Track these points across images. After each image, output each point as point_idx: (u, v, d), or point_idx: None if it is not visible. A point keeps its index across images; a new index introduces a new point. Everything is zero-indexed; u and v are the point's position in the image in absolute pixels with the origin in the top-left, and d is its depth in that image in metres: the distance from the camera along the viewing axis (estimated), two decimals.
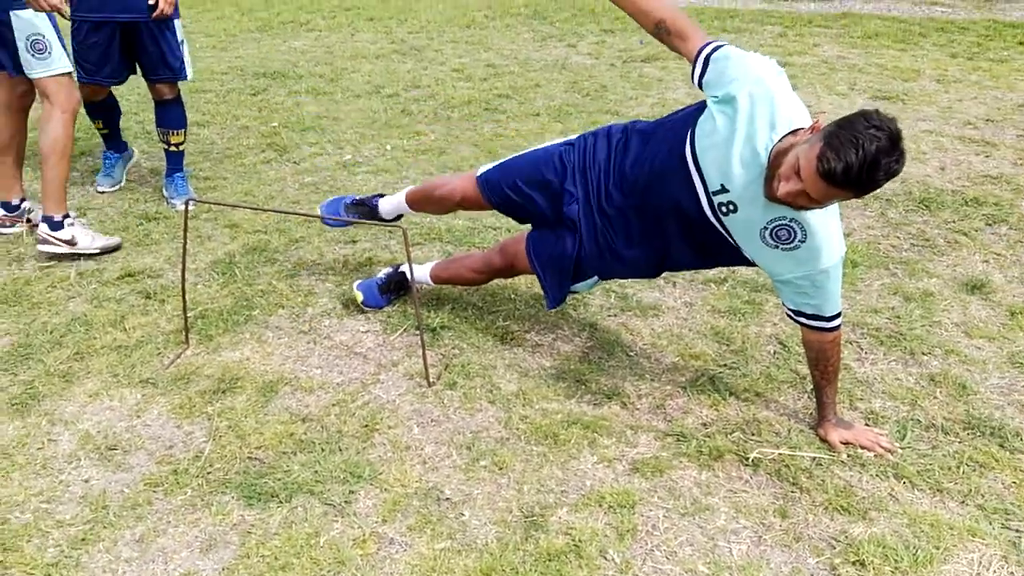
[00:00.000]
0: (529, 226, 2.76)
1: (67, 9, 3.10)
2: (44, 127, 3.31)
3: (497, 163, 2.74)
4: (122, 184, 4.16)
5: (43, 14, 3.15)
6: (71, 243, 3.34)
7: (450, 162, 4.41)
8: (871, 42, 7.00)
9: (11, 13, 3.17)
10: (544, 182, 2.57)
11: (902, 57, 6.52)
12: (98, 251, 3.40)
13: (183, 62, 3.81)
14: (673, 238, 2.39)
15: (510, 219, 3.69)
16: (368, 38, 7.28)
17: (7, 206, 3.57)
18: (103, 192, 4.09)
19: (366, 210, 3.08)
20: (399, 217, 3.07)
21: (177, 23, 3.75)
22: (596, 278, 2.64)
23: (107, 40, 3.62)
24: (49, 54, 3.22)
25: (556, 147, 2.62)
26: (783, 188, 1.97)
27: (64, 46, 3.28)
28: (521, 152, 2.74)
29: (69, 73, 3.32)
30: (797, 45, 6.88)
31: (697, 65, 2.26)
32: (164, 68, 3.76)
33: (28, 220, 3.56)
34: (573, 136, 2.64)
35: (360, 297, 3.00)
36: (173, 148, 3.96)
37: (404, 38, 7.25)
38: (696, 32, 2.30)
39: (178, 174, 4.00)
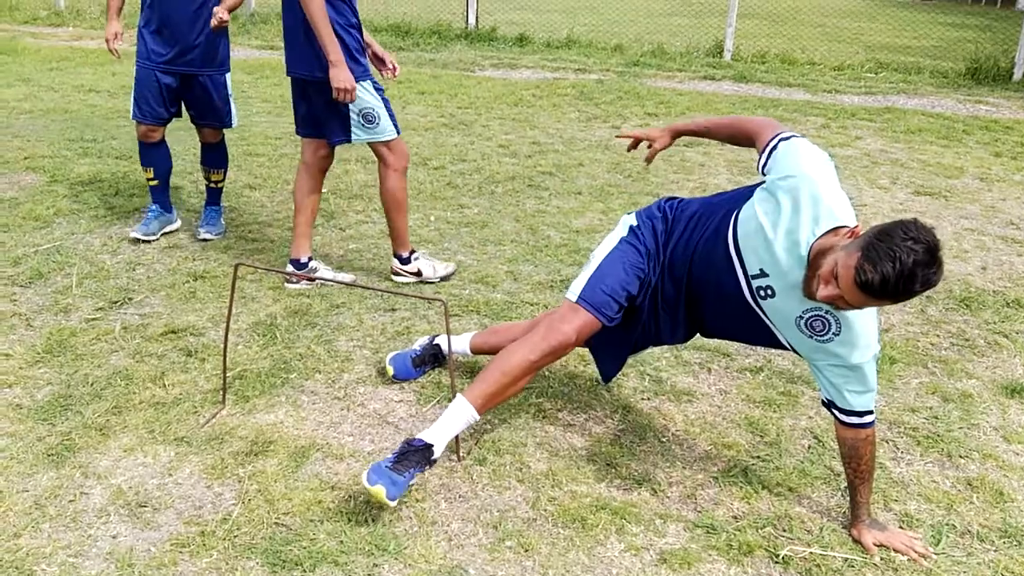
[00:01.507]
0: None
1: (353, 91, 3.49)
2: (383, 184, 3.77)
3: (587, 282, 2.48)
4: (155, 238, 4.27)
5: (372, 90, 3.58)
6: (417, 274, 3.90)
7: (491, 235, 4.47)
8: (914, 137, 7.03)
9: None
10: (644, 282, 2.50)
11: (945, 154, 6.53)
12: (438, 279, 3.90)
13: (230, 111, 4.27)
14: (713, 314, 2.44)
15: (547, 294, 3.74)
16: (419, 111, 7.46)
17: (296, 263, 3.83)
18: (135, 238, 4.22)
19: (421, 457, 2.32)
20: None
21: (228, 76, 4.21)
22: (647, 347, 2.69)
23: (155, 84, 4.06)
24: (377, 124, 3.63)
25: (629, 245, 2.51)
26: (822, 291, 2.00)
27: (392, 116, 3.67)
28: (602, 262, 2.51)
29: (394, 138, 3.72)
30: (840, 137, 6.92)
31: (763, 156, 2.34)
32: (212, 115, 4.22)
33: (311, 279, 3.76)
34: (630, 222, 2.57)
35: (391, 371, 3.02)
36: (213, 185, 4.45)
37: (453, 112, 7.41)
38: (766, 130, 2.39)
39: (213, 207, 4.46)
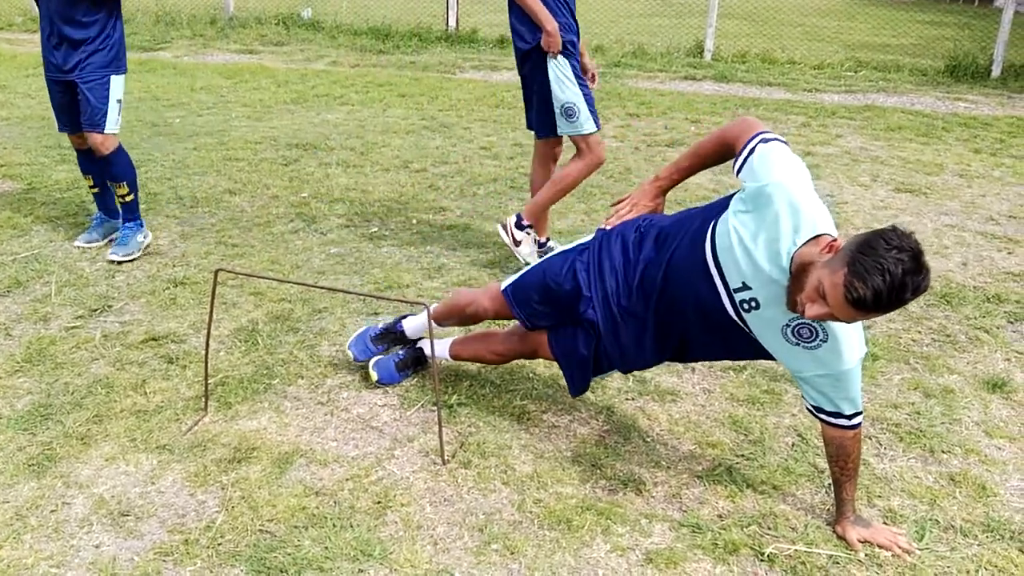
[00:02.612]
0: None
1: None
2: (567, 165, 4.04)
3: (518, 276, 2.76)
4: (99, 244, 4.24)
5: (576, 88, 3.85)
6: (516, 243, 4.07)
7: (473, 238, 4.47)
8: (894, 135, 7.07)
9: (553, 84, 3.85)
10: (557, 295, 2.60)
11: (925, 151, 6.58)
12: (525, 263, 3.95)
13: (105, 113, 3.94)
14: (694, 333, 2.41)
15: None
16: (399, 114, 7.45)
17: (540, 244, 4.18)
18: (78, 247, 4.19)
19: (393, 337, 3.10)
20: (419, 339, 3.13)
21: (117, 80, 3.96)
22: (616, 371, 2.66)
23: (59, 94, 3.99)
24: (577, 118, 3.88)
25: (571, 253, 2.62)
26: (810, 310, 1.99)
27: (592, 112, 3.90)
28: (540, 261, 2.74)
29: (593, 133, 3.95)
30: (820, 136, 6.96)
31: (739, 158, 2.30)
32: (85, 115, 3.93)
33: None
34: (588, 238, 2.64)
35: (375, 376, 3.01)
36: (119, 200, 4.12)
37: (435, 115, 7.40)
38: (745, 132, 2.33)
39: (126, 225, 4.14)
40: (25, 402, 2.87)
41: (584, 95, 3.88)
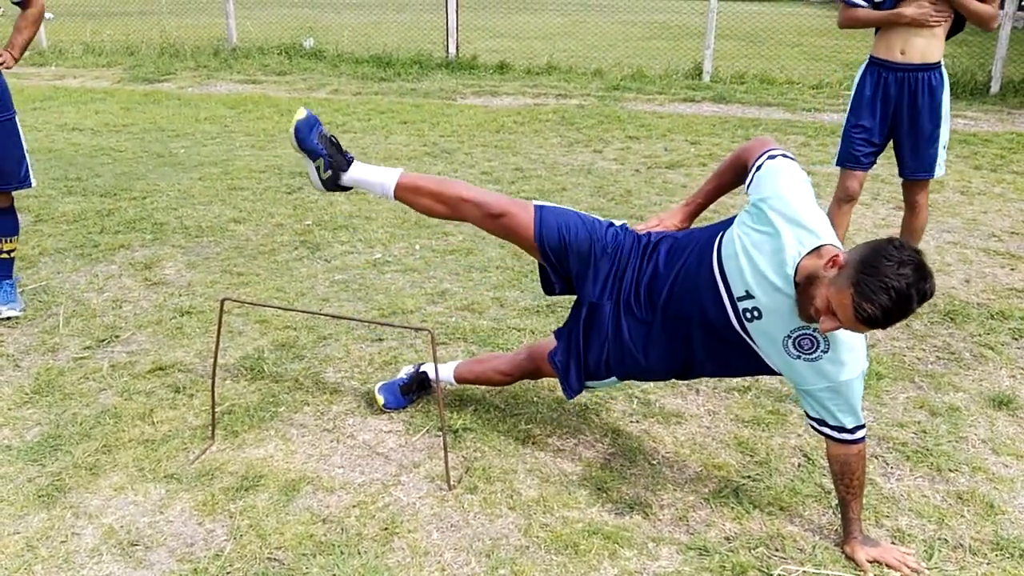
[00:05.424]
0: (554, 330, 2.79)
1: None
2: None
3: (558, 207, 2.67)
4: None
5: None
6: None
7: (476, 262, 4.49)
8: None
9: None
10: (589, 243, 2.55)
11: None
12: None
13: (27, 166, 3.69)
14: (697, 346, 2.42)
15: (534, 320, 3.75)
16: (401, 140, 7.50)
17: None
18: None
19: (339, 160, 2.72)
20: (347, 189, 2.78)
21: (16, 120, 3.67)
22: (615, 379, 2.66)
23: None
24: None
25: (613, 228, 2.60)
26: (824, 324, 2.04)
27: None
28: (579, 212, 2.66)
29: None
30: (820, 155, 6.99)
31: (748, 174, 2.39)
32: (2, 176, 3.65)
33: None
34: (619, 222, 2.65)
35: (381, 401, 3.03)
36: (4, 255, 3.83)
37: (436, 141, 7.45)
38: (756, 150, 2.42)
39: (6, 281, 3.84)
40: (34, 433, 2.89)
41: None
